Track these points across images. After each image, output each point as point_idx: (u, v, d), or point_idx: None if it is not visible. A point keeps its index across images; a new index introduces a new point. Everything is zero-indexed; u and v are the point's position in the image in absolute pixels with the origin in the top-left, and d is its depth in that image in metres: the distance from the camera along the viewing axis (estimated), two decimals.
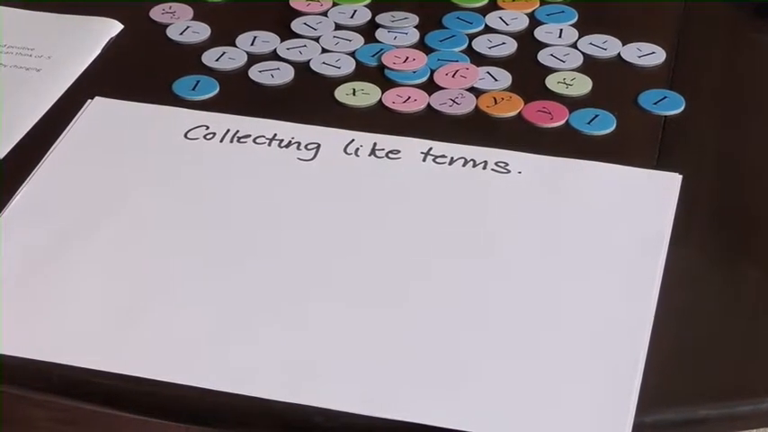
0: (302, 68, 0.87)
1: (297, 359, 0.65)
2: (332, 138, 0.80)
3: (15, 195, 0.76)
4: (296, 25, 0.92)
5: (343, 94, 0.85)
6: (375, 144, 0.80)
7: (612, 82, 0.86)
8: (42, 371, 0.65)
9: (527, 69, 0.87)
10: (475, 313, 0.68)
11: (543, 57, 0.88)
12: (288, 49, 0.89)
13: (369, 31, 0.91)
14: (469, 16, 0.92)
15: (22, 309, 0.68)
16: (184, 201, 0.76)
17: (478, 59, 0.88)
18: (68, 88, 0.85)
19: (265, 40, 0.90)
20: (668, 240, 0.72)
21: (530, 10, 0.93)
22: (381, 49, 0.89)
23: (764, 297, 0.70)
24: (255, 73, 0.87)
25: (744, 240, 0.73)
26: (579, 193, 0.76)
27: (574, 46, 0.89)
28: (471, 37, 0.90)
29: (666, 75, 0.87)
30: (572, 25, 0.91)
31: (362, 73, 0.87)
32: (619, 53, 0.89)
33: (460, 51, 0.89)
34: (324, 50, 0.89)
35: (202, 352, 0.66)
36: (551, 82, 0.86)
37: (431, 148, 0.79)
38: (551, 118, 0.82)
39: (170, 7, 0.94)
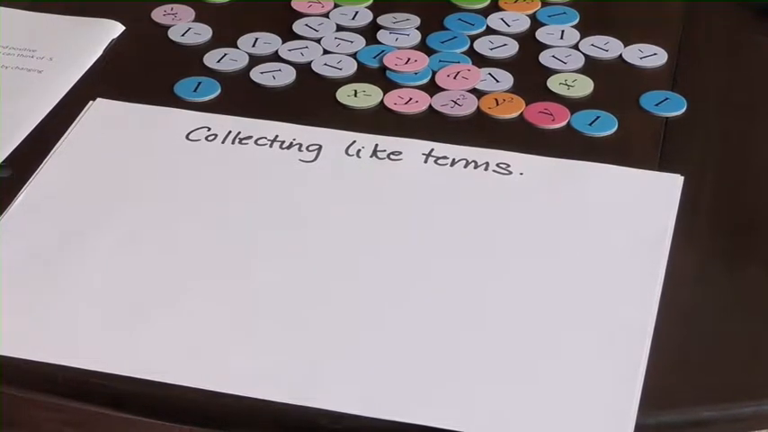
0: (304, 70, 0.87)
1: (300, 361, 0.65)
2: (333, 139, 0.80)
3: (17, 197, 0.76)
4: (297, 27, 0.92)
5: (344, 95, 0.85)
6: (377, 145, 0.80)
7: (614, 83, 0.86)
8: (48, 373, 0.65)
9: (529, 71, 0.87)
10: (477, 315, 0.68)
11: (545, 58, 0.88)
12: (289, 50, 0.89)
13: (370, 32, 0.91)
14: (471, 18, 0.93)
15: (26, 310, 0.68)
16: (186, 202, 0.76)
17: (480, 61, 0.88)
18: (70, 90, 0.85)
19: (267, 42, 0.90)
20: (670, 242, 0.72)
21: (531, 11, 0.93)
22: (383, 51, 0.89)
23: (766, 298, 0.70)
24: (257, 74, 0.87)
25: (746, 242, 0.73)
26: (581, 194, 0.76)
27: (575, 47, 0.89)
28: (473, 38, 0.90)
29: (668, 76, 0.87)
30: (573, 26, 0.91)
31: (364, 74, 0.87)
32: (620, 54, 0.89)
33: (462, 53, 0.89)
34: (325, 52, 0.89)
35: (207, 354, 0.66)
36: (553, 83, 0.86)
37: (432, 150, 0.79)
38: (553, 119, 0.82)
39: (171, 9, 0.94)
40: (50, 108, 0.83)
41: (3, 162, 0.78)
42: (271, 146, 0.80)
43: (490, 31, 0.91)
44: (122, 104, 0.84)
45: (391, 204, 0.75)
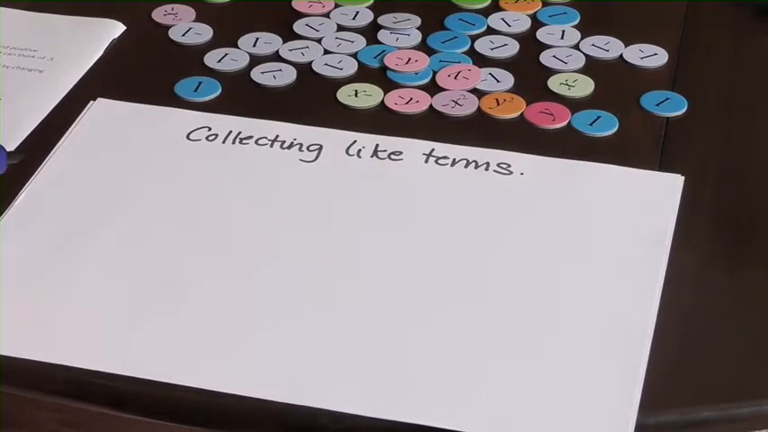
0: (304, 70, 0.87)
1: (301, 361, 0.65)
2: (334, 139, 0.80)
3: (18, 196, 0.76)
4: (298, 26, 0.92)
5: (345, 95, 0.85)
6: (377, 145, 0.80)
7: (615, 83, 0.86)
8: (48, 373, 0.65)
9: (529, 71, 0.87)
10: (477, 315, 0.68)
11: (545, 58, 0.88)
12: (290, 50, 0.89)
13: (371, 32, 0.91)
14: (472, 18, 0.93)
15: (27, 310, 0.68)
16: (186, 202, 0.76)
17: (481, 61, 0.88)
18: (71, 90, 0.86)
19: (267, 42, 0.90)
20: (671, 242, 0.72)
21: (532, 11, 0.93)
22: (383, 51, 0.89)
23: (766, 298, 0.70)
24: (258, 74, 0.87)
25: (746, 241, 0.73)
26: (581, 194, 0.76)
27: (576, 47, 0.89)
28: (473, 38, 0.90)
29: (669, 76, 0.87)
30: (574, 27, 0.91)
31: (365, 74, 0.87)
32: (621, 54, 0.89)
33: (463, 53, 0.89)
34: (326, 52, 0.89)
35: (208, 354, 0.66)
36: (553, 83, 0.86)
37: (433, 150, 0.79)
38: (553, 119, 0.82)
39: (172, 8, 0.94)
40: (51, 108, 0.84)
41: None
42: (271, 146, 0.80)
43: (491, 31, 0.91)
44: (123, 104, 0.84)
45: (392, 204, 0.75)
